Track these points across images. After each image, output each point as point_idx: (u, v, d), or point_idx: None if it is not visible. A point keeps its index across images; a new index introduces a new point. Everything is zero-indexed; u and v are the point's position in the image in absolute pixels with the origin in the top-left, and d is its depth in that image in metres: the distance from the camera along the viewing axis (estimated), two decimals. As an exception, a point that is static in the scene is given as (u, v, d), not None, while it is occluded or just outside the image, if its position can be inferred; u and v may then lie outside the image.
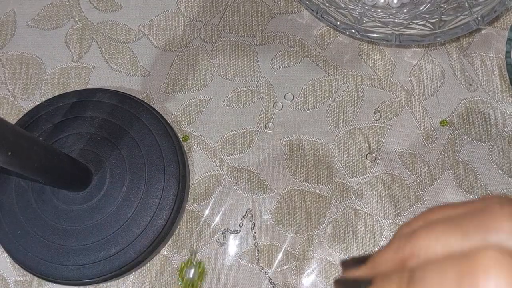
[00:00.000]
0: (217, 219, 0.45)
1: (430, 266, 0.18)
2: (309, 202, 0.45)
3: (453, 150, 0.46)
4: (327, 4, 0.45)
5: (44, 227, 0.41)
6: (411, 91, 0.48)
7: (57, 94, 0.46)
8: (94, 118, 0.44)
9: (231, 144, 0.46)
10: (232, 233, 0.44)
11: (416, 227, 0.20)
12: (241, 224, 0.44)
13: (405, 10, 0.48)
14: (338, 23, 0.44)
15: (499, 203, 0.19)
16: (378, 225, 0.44)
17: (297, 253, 0.44)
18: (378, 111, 0.47)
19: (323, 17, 0.44)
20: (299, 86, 0.48)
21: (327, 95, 0.48)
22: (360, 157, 0.46)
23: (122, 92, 0.46)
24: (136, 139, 0.43)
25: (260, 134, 0.47)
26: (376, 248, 0.44)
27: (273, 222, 0.44)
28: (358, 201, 0.45)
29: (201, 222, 0.45)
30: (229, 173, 0.46)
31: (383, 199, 0.45)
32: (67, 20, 0.51)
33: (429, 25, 0.44)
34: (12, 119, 0.47)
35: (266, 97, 0.48)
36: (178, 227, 0.44)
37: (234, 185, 0.45)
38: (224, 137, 0.47)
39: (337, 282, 0.24)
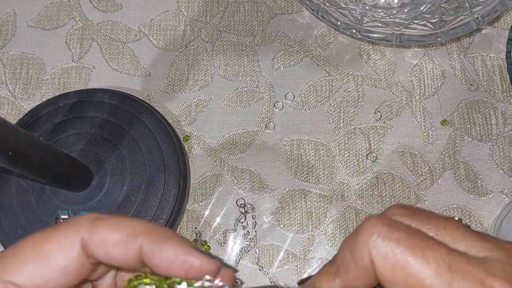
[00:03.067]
0: (218, 219, 0.45)
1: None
2: (309, 202, 0.45)
3: (453, 150, 0.46)
4: (327, 4, 0.45)
5: (45, 227, 0.41)
6: (412, 91, 0.48)
7: (57, 94, 0.46)
8: (94, 118, 0.44)
9: (231, 144, 0.46)
10: (233, 233, 0.44)
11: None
12: (242, 223, 0.44)
13: (406, 10, 0.48)
14: (339, 23, 0.44)
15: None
16: (379, 225, 0.44)
17: (298, 253, 0.44)
18: (379, 111, 0.47)
19: (324, 17, 0.44)
20: (299, 86, 0.48)
21: (327, 95, 0.48)
22: (360, 157, 0.46)
23: (123, 92, 0.46)
24: (137, 139, 0.43)
25: (260, 134, 0.47)
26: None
27: (274, 222, 0.44)
28: (358, 201, 0.45)
29: (202, 222, 0.45)
30: (230, 173, 0.46)
31: (384, 199, 0.45)
32: (67, 20, 0.51)
33: (429, 25, 0.44)
34: (13, 119, 0.47)
35: (266, 97, 0.48)
36: (179, 227, 0.44)
37: (235, 185, 0.45)
38: (225, 137, 0.47)
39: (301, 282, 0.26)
